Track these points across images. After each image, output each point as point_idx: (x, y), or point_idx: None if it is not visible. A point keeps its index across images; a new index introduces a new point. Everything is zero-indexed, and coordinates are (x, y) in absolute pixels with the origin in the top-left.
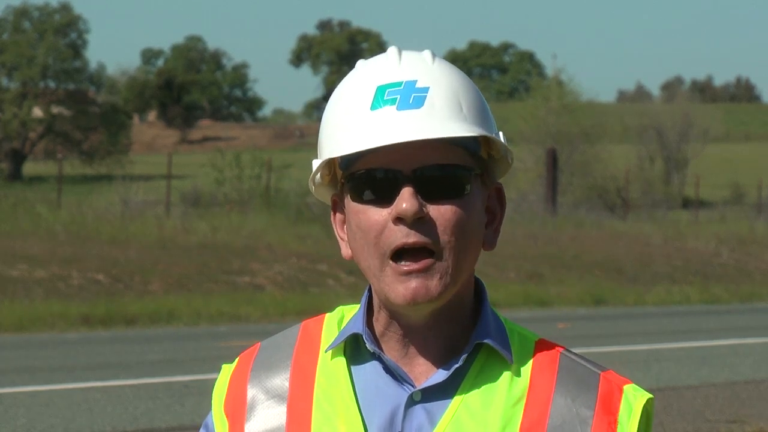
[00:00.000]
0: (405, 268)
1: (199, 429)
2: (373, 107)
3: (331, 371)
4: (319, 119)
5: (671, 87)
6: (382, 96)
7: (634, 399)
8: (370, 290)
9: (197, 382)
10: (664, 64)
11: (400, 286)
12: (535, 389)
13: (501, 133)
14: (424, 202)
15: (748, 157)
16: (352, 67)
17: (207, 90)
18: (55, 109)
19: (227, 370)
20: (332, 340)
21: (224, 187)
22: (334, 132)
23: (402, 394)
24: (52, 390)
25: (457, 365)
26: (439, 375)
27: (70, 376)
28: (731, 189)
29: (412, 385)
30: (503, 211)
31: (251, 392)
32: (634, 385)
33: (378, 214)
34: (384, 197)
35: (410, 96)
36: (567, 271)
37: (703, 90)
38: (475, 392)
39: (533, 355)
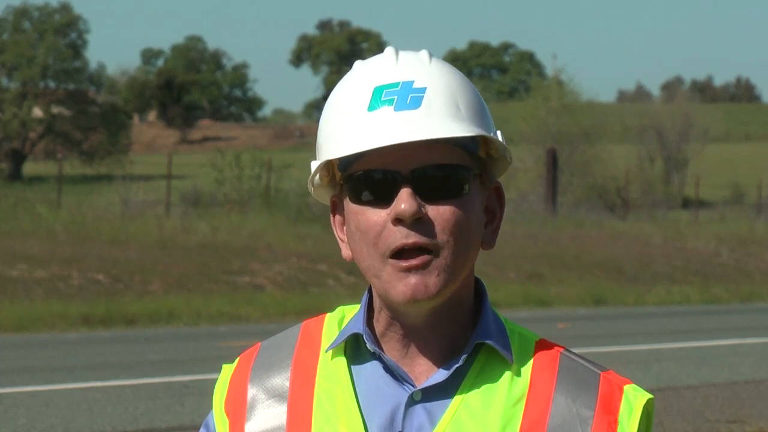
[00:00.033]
0: (404, 264)
1: (199, 429)
2: (371, 108)
3: (332, 371)
4: (319, 120)
5: (671, 87)
6: (379, 97)
7: (634, 399)
8: (370, 291)
9: (197, 382)
10: (664, 64)
11: (400, 283)
12: (536, 389)
13: (499, 132)
14: (422, 203)
15: (748, 157)
16: (351, 67)
17: (207, 90)
18: (55, 109)
19: (228, 369)
20: (333, 340)
21: (224, 187)
22: (332, 133)
23: (402, 393)
24: (52, 390)
25: (457, 365)
26: (440, 375)
27: (70, 376)
28: (731, 189)
29: (413, 385)
30: (502, 211)
31: (252, 392)
32: (634, 385)
33: (377, 215)
34: (383, 198)
35: (407, 96)
36: (567, 271)
37: (703, 90)
38: (475, 392)
39: (533, 355)
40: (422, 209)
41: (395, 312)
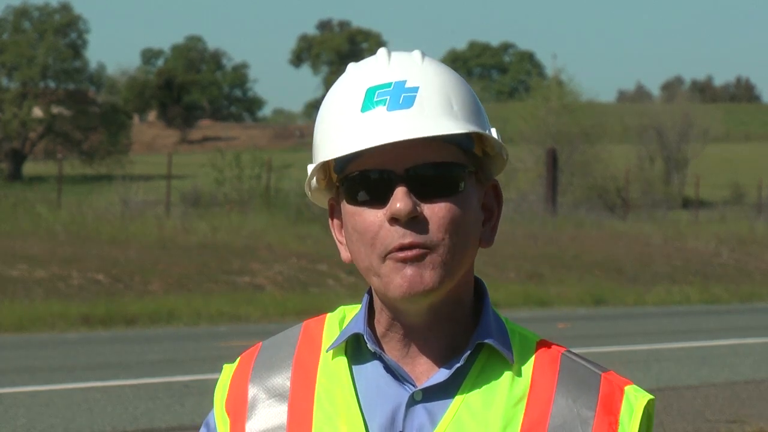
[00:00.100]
0: (400, 255)
1: (199, 428)
2: (364, 109)
3: (333, 371)
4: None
5: (671, 87)
6: (372, 97)
7: (635, 400)
8: (370, 291)
9: (197, 382)
10: (664, 64)
11: (397, 276)
12: (536, 389)
13: (494, 130)
14: (418, 201)
15: (748, 157)
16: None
17: (207, 90)
18: (55, 109)
19: (228, 369)
20: (334, 340)
21: (224, 187)
22: (326, 135)
23: (403, 393)
24: (52, 390)
25: (458, 365)
26: (441, 375)
27: (70, 376)
28: (731, 189)
29: (413, 385)
30: (500, 208)
31: (252, 391)
32: (635, 386)
33: (373, 215)
34: (378, 198)
35: (400, 96)
36: (567, 271)
37: (703, 90)
38: (476, 392)
39: (534, 356)
40: (417, 208)
41: (395, 312)
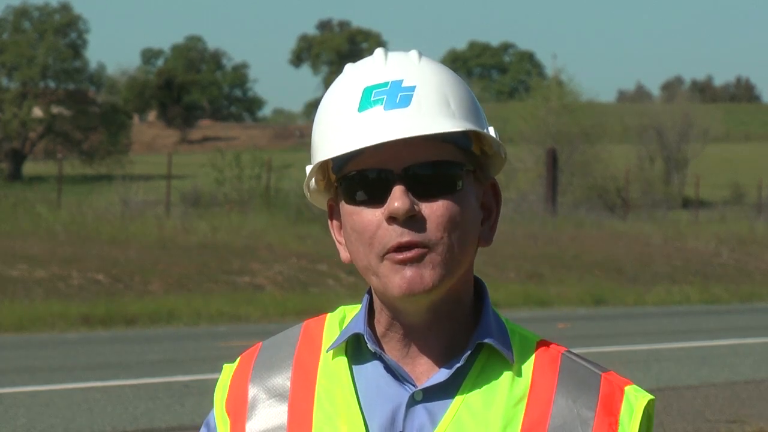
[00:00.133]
0: (399, 256)
1: (200, 428)
2: (361, 109)
3: (333, 371)
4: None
5: (671, 87)
6: (369, 97)
7: (635, 400)
8: (370, 291)
9: (197, 382)
10: (664, 64)
11: (396, 276)
12: (537, 389)
13: (492, 129)
14: (416, 200)
15: (748, 157)
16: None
17: (207, 90)
18: (55, 109)
19: (229, 369)
20: (334, 340)
21: (224, 187)
22: (324, 136)
23: (403, 393)
24: (52, 390)
25: (458, 365)
26: (441, 374)
27: (70, 376)
28: (731, 189)
29: (414, 385)
30: (499, 207)
31: (252, 391)
32: (635, 386)
33: (372, 215)
34: (376, 197)
35: (397, 95)
36: (567, 271)
37: (703, 90)
38: (476, 392)
39: (534, 356)
40: (415, 207)
41: (395, 311)
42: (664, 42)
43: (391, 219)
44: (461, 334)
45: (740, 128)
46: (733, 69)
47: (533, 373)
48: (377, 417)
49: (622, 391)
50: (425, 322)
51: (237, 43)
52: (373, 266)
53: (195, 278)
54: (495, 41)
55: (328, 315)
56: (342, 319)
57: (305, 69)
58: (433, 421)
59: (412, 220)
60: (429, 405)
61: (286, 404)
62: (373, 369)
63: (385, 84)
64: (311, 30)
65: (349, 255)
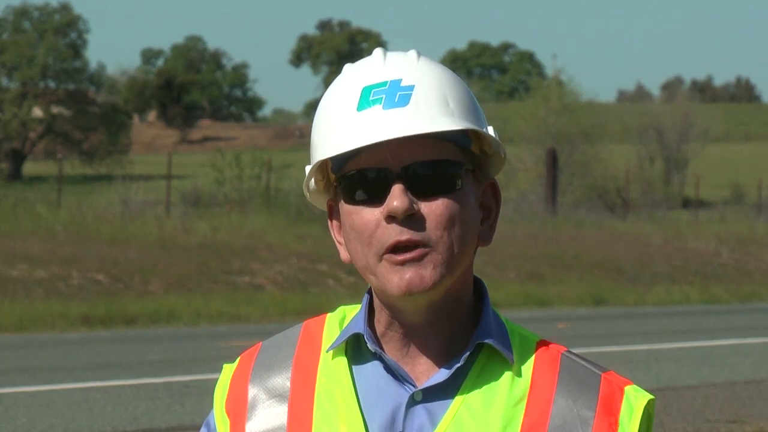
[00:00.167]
0: (399, 258)
1: (200, 428)
2: (360, 108)
3: (333, 371)
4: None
5: (671, 87)
6: (367, 96)
7: (635, 400)
8: (370, 291)
9: (197, 382)
10: (664, 64)
11: (395, 276)
12: (536, 390)
13: (491, 128)
14: (415, 199)
15: (748, 157)
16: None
17: (207, 90)
18: (55, 109)
19: (228, 369)
20: (334, 340)
21: (224, 187)
22: (323, 135)
23: (403, 393)
24: (52, 390)
25: (458, 365)
26: (441, 375)
27: (70, 376)
28: (731, 189)
29: (413, 385)
30: (498, 207)
31: (252, 392)
32: (635, 386)
33: (371, 214)
34: (375, 196)
35: (395, 95)
36: (567, 271)
37: (703, 90)
38: (476, 392)
39: (534, 356)
40: (414, 205)
41: (394, 310)
42: (664, 42)
43: (390, 218)
44: (461, 334)
45: (740, 128)
46: (733, 69)
47: (533, 374)
48: (377, 417)
49: (621, 391)
50: (424, 321)
51: (237, 43)
52: (371, 265)
53: (195, 278)
54: (495, 41)
55: (328, 315)
56: (342, 319)
57: (305, 69)
58: (433, 422)
59: (411, 219)
60: (429, 405)
61: (286, 404)
62: (373, 369)
63: (384, 83)
64: (311, 30)
65: (348, 255)
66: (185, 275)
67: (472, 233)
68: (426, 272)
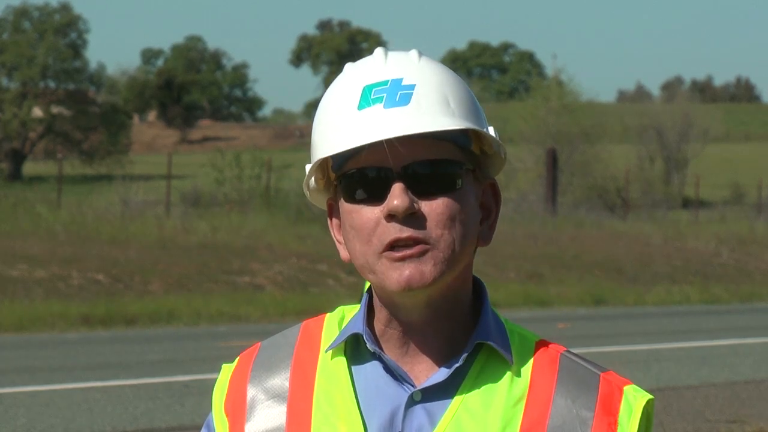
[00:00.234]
0: (398, 254)
1: (200, 429)
2: (361, 107)
3: (332, 371)
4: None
5: (671, 87)
6: (368, 95)
7: (634, 400)
8: (370, 291)
9: (197, 382)
10: (664, 64)
11: (395, 272)
12: (536, 390)
13: (492, 128)
14: (415, 198)
15: (748, 157)
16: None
17: (207, 90)
18: (55, 109)
19: (227, 369)
20: (333, 340)
21: (224, 187)
22: (323, 134)
23: (402, 394)
24: (52, 390)
25: (457, 365)
26: (440, 375)
27: (70, 376)
28: (731, 189)
29: (413, 385)
30: (498, 207)
31: (251, 392)
32: (634, 385)
33: (371, 212)
34: (375, 195)
35: (397, 94)
36: (567, 271)
37: (703, 90)
38: (475, 392)
39: (533, 356)
40: (415, 204)
41: (393, 308)
42: (664, 42)
43: (390, 217)
44: (460, 334)
45: (740, 128)
46: (733, 69)
47: (532, 374)
48: (376, 417)
49: (621, 391)
50: (424, 318)
51: (237, 43)
52: (370, 263)
53: (195, 278)
54: (495, 41)
55: (327, 315)
56: (341, 319)
57: (305, 69)
58: (432, 422)
59: (411, 217)
60: (428, 405)
61: (285, 405)
62: (372, 369)
63: (385, 82)
64: (311, 30)
65: (348, 254)
66: (185, 275)
67: (472, 233)
68: (426, 268)
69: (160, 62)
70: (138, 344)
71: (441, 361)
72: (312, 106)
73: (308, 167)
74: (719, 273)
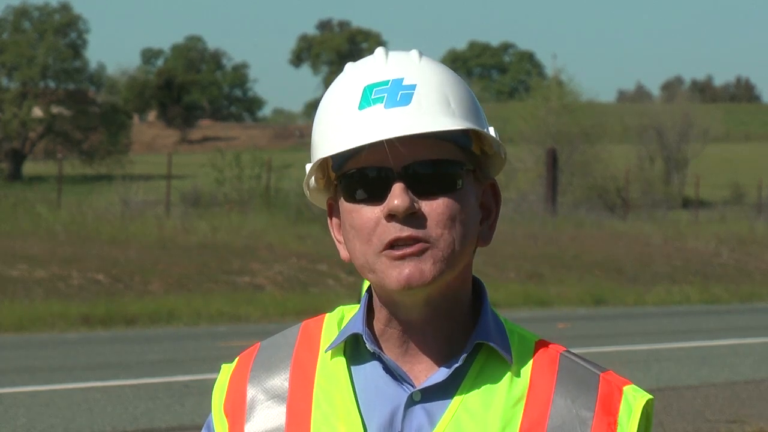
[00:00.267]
0: (398, 253)
1: (200, 429)
2: (361, 107)
3: (331, 371)
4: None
5: (671, 87)
6: (369, 95)
7: (633, 400)
8: (370, 291)
9: (197, 382)
10: (664, 64)
11: (395, 271)
12: (535, 390)
13: (492, 129)
14: (415, 198)
15: (748, 157)
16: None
17: (207, 90)
18: (55, 109)
19: (227, 370)
20: (332, 340)
21: (224, 187)
22: (324, 134)
23: (402, 394)
24: (52, 390)
25: (457, 365)
26: (439, 375)
27: (70, 376)
28: (731, 189)
29: (412, 385)
30: (498, 207)
31: (251, 392)
32: (634, 385)
33: (371, 212)
34: (376, 195)
35: (397, 93)
36: (567, 271)
37: (703, 90)
38: (474, 392)
39: (533, 356)
40: (415, 204)
41: (393, 306)
42: (664, 42)
43: (391, 216)
44: (460, 334)
45: (740, 128)
46: (733, 69)
47: (532, 374)
48: (376, 417)
49: (620, 391)
50: (423, 318)
51: (237, 43)
52: (370, 263)
53: (195, 278)
54: (495, 41)
55: (327, 315)
56: (341, 319)
57: (305, 69)
58: (432, 422)
59: (412, 217)
60: (427, 405)
61: (285, 405)
62: (371, 369)
63: (386, 82)
64: (311, 30)
65: (348, 253)
66: (185, 275)
67: (472, 232)
68: (426, 266)
69: (160, 62)
70: (138, 344)
71: (440, 361)
72: (312, 106)
73: (308, 167)
74: (719, 273)
